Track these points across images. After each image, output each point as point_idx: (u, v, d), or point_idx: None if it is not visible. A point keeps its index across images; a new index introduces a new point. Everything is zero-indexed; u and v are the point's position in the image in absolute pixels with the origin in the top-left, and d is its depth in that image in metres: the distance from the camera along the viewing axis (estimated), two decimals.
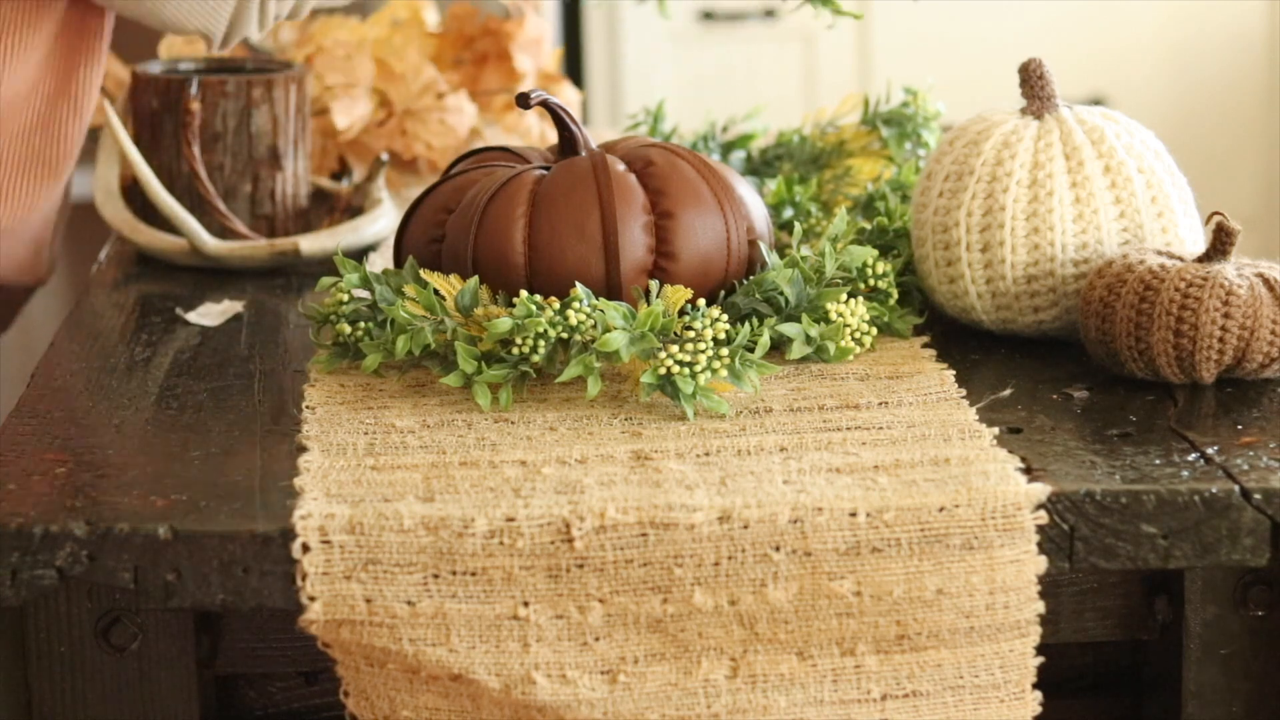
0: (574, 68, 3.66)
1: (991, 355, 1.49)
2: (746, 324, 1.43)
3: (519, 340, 1.37)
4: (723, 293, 1.47)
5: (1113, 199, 1.48)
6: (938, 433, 1.31)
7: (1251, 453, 1.28)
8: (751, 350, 1.41)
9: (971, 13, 3.73)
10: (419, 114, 2.02)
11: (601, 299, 1.40)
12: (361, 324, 1.45)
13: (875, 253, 1.51)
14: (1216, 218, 1.41)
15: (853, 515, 1.20)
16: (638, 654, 1.21)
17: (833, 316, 1.45)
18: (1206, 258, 1.42)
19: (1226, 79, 3.82)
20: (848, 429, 1.32)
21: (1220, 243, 1.42)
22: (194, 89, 1.81)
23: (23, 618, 1.25)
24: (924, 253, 1.53)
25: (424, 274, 1.43)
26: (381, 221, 1.84)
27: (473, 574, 1.20)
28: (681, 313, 1.39)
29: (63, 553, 1.19)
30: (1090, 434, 1.32)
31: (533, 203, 1.44)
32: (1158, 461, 1.27)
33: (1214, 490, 1.23)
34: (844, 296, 1.46)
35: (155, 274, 1.79)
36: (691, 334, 1.36)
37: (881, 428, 1.32)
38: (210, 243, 1.77)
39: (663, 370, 1.35)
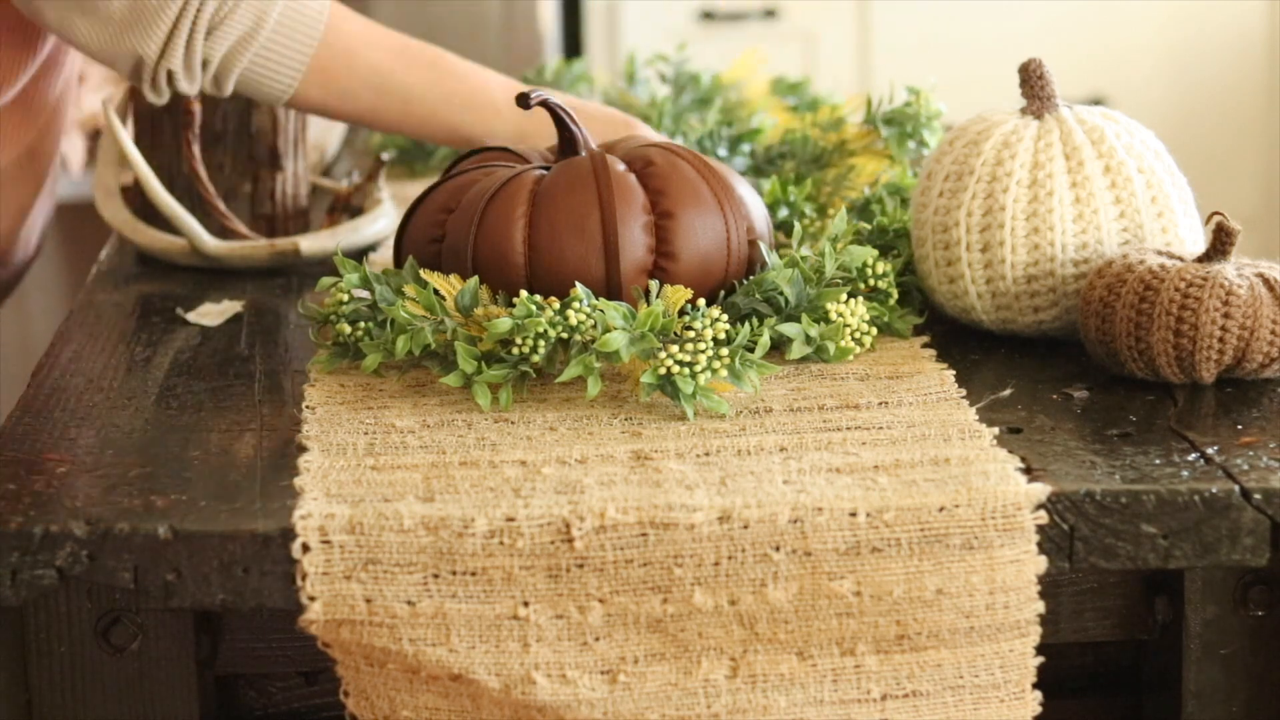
0: None
1: (991, 355, 1.49)
2: (746, 324, 1.43)
3: (519, 340, 1.37)
4: (723, 293, 1.47)
5: (1113, 199, 1.48)
6: (938, 433, 1.31)
7: (1251, 453, 1.28)
8: (751, 350, 1.41)
9: (971, 13, 3.74)
10: None
11: (601, 299, 1.40)
12: (361, 324, 1.45)
13: (875, 253, 1.51)
14: (1216, 218, 1.41)
15: (853, 515, 1.20)
16: (638, 654, 1.21)
17: (833, 316, 1.45)
18: (1206, 258, 1.42)
19: (1226, 79, 3.82)
20: (848, 429, 1.32)
21: (1220, 243, 1.41)
22: None
23: (23, 618, 1.25)
24: (924, 253, 1.53)
25: (424, 274, 1.43)
26: (381, 221, 1.84)
27: (473, 574, 1.20)
28: (681, 313, 1.39)
29: (63, 553, 1.19)
30: (1090, 434, 1.32)
31: (533, 203, 1.44)
32: (1158, 461, 1.27)
33: (1214, 490, 1.22)
34: (844, 296, 1.46)
35: (155, 274, 1.80)
36: (691, 334, 1.36)
37: (881, 428, 1.32)
38: (210, 243, 1.77)
39: (663, 370, 1.35)
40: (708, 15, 3.71)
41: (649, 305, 1.38)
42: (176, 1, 1.61)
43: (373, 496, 1.22)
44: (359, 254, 1.81)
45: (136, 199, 1.85)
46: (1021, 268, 1.48)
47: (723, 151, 1.90)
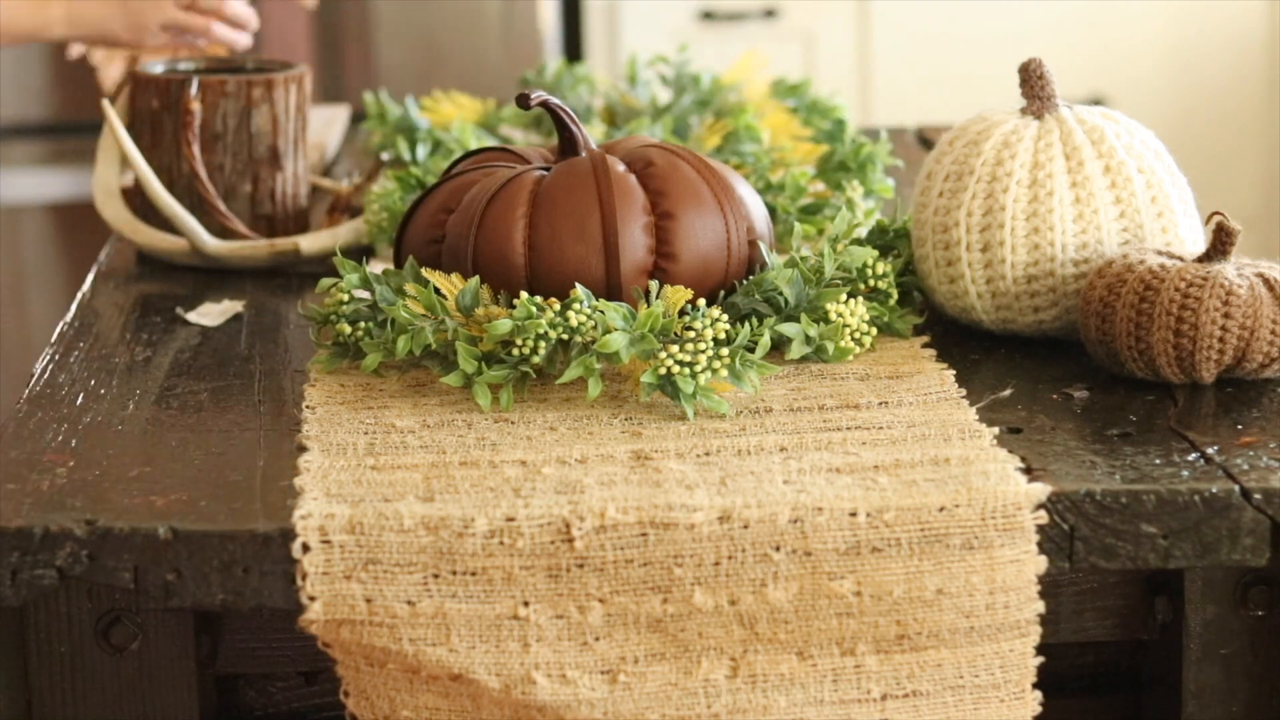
0: None
1: (991, 355, 1.49)
2: (746, 324, 1.43)
3: (519, 341, 1.37)
4: (723, 293, 1.47)
5: (1113, 199, 1.48)
6: (938, 433, 1.31)
7: (1251, 453, 1.28)
8: (751, 350, 1.41)
9: (971, 12, 3.73)
10: None
11: (601, 300, 1.40)
12: (361, 324, 1.45)
13: (875, 253, 1.52)
14: (1216, 218, 1.41)
15: (853, 515, 1.20)
16: (638, 654, 1.21)
17: (832, 316, 1.45)
18: (1206, 258, 1.42)
19: (1226, 79, 3.82)
20: (848, 429, 1.32)
21: (1220, 243, 1.41)
22: (194, 89, 1.81)
23: (23, 618, 1.25)
24: (924, 253, 1.53)
25: (425, 273, 1.43)
26: None
27: (473, 574, 1.20)
28: (681, 313, 1.39)
29: (63, 553, 1.19)
30: (1090, 434, 1.32)
31: (533, 203, 1.44)
32: (1158, 461, 1.27)
33: (1214, 490, 1.22)
34: (844, 296, 1.46)
35: (155, 274, 1.80)
36: (691, 334, 1.36)
37: (881, 428, 1.32)
38: (210, 243, 1.77)
39: (663, 370, 1.35)
40: (707, 15, 3.70)
41: (649, 306, 1.38)
42: None
43: (373, 496, 1.22)
44: (359, 254, 1.81)
45: (136, 199, 1.85)
46: (1021, 268, 1.48)
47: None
